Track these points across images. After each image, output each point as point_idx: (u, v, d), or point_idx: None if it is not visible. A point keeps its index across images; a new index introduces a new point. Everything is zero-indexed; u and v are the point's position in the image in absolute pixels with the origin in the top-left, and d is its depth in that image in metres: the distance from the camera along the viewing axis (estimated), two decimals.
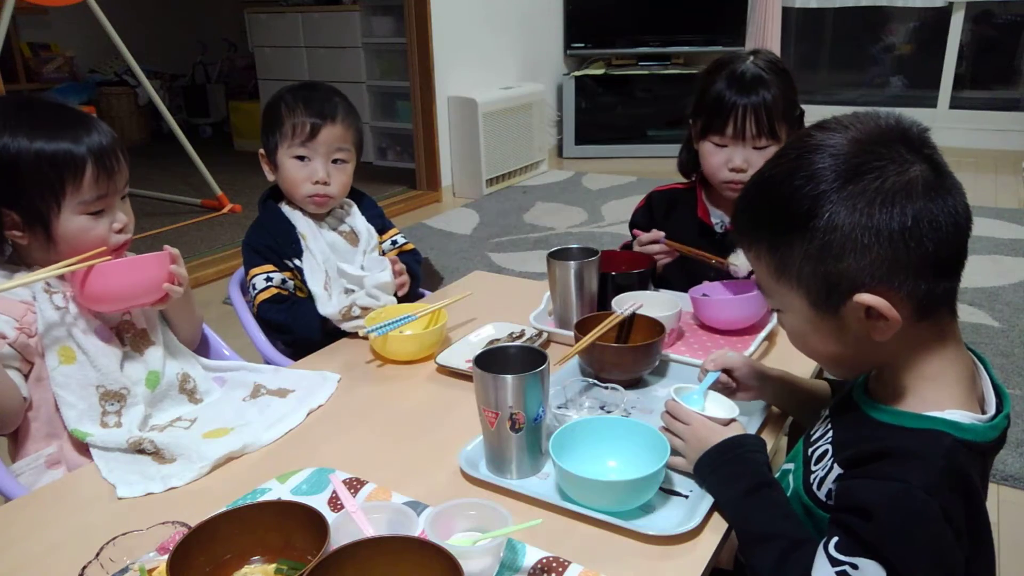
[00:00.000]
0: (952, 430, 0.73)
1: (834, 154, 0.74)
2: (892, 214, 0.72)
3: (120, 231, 1.14)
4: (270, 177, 1.51)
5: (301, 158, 1.45)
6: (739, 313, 1.33)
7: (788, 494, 0.88)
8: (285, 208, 1.50)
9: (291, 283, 1.46)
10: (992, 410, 0.78)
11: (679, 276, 1.51)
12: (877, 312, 0.74)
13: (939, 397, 0.77)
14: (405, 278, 1.50)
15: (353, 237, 1.54)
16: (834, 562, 0.72)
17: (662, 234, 1.49)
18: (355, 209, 1.57)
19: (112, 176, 1.11)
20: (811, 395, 1.06)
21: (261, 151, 1.50)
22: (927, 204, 0.72)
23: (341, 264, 1.46)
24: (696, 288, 1.41)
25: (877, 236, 0.72)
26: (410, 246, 1.66)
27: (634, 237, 1.56)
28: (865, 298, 0.74)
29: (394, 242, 1.64)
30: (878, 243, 0.72)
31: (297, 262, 1.46)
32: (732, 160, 1.45)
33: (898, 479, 0.71)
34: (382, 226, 1.63)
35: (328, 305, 1.40)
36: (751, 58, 1.45)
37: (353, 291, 1.44)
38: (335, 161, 1.47)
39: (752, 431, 1.00)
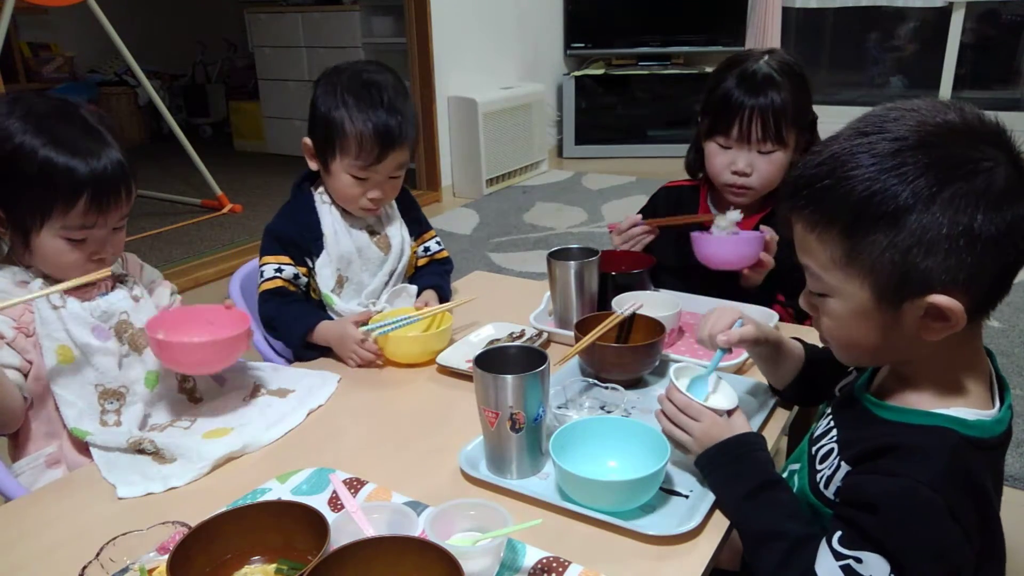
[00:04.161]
0: (958, 427, 0.74)
1: (928, 144, 0.70)
2: (993, 219, 0.68)
3: (99, 260, 1.11)
4: (313, 166, 1.42)
5: (360, 178, 1.37)
6: (737, 251, 1.36)
7: None
8: (318, 200, 1.43)
9: (304, 280, 1.41)
10: (998, 403, 0.78)
11: (672, 254, 1.48)
12: (941, 314, 0.71)
13: (951, 394, 0.77)
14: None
15: (385, 244, 1.47)
16: (838, 556, 0.73)
17: (638, 217, 1.48)
18: (396, 212, 1.51)
19: (105, 211, 1.07)
20: (792, 357, 1.04)
21: (307, 141, 1.39)
22: (1021, 208, 0.69)
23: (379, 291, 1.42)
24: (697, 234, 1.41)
25: (973, 241, 0.68)
26: (444, 254, 1.59)
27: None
28: (940, 299, 0.70)
29: (426, 248, 1.57)
30: (971, 248, 0.68)
31: (317, 260, 1.41)
32: (735, 163, 1.42)
33: (902, 474, 0.71)
34: (419, 230, 1.56)
35: (339, 303, 1.40)
36: (765, 57, 1.40)
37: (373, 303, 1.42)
38: (392, 177, 1.41)
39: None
